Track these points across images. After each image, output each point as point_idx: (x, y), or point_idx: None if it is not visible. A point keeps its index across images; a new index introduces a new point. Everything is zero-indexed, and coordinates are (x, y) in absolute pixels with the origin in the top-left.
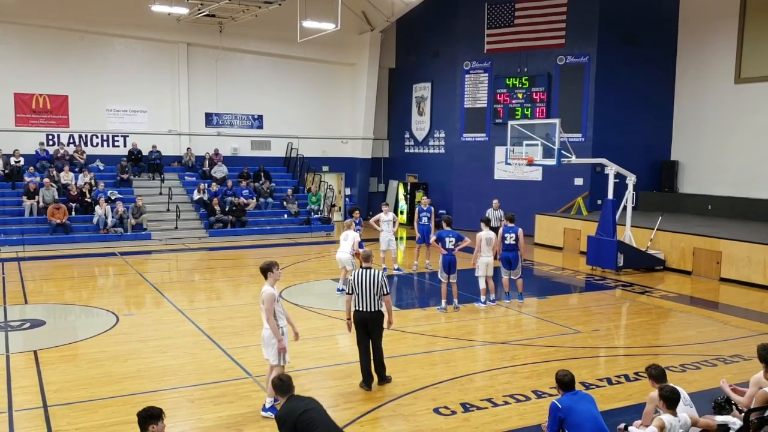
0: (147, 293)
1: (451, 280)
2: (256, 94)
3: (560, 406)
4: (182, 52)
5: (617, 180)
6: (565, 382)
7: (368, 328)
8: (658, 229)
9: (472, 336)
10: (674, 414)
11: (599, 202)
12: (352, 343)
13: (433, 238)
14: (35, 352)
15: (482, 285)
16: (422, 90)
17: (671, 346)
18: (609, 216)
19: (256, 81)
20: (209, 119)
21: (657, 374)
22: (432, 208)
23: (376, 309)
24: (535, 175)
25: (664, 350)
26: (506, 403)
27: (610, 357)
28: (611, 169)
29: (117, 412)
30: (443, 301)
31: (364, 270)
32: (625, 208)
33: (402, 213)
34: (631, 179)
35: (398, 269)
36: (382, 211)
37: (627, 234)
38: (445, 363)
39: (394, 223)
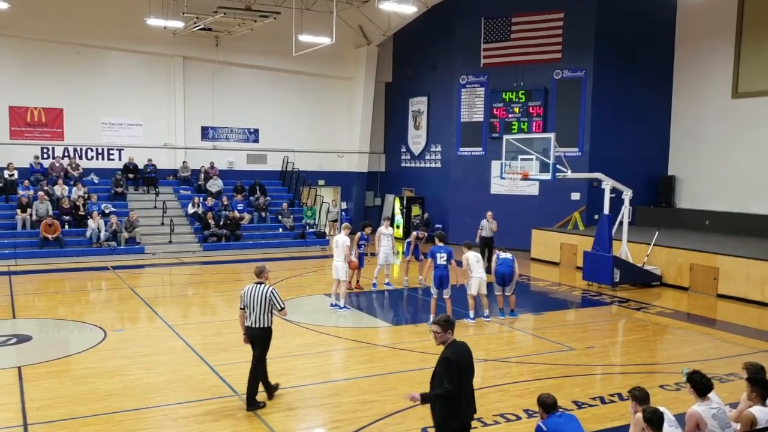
0: (137, 308)
1: (444, 296)
2: (252, 107)
3: (546, 429)
4: (178, 66)
5: (613, 195)
6: (550, 404)
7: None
8: (654, 245)
9: None
10: None
11: (596, 216)
12: (342, 359)
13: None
14: (19, 368)
15: (470, 301)
16: (419, 104)
17: (666, 364)
18: (605, 231)
19: (252, 95)
20: (205, 133)
21: (641, 396)
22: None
23: (265, 325)
24: (532, 189)
25: (659, 368)
26: (496, 422)
27: (604, 375)
28: (607, 183)
29: (98, 431)
30: (432, 317)
31: (255, 285)
32: (621, 223)
33: (398, 227)
34: (627, 194)
35: (388, 284)
36: (381, 224)
37: (623, 249)
38: None
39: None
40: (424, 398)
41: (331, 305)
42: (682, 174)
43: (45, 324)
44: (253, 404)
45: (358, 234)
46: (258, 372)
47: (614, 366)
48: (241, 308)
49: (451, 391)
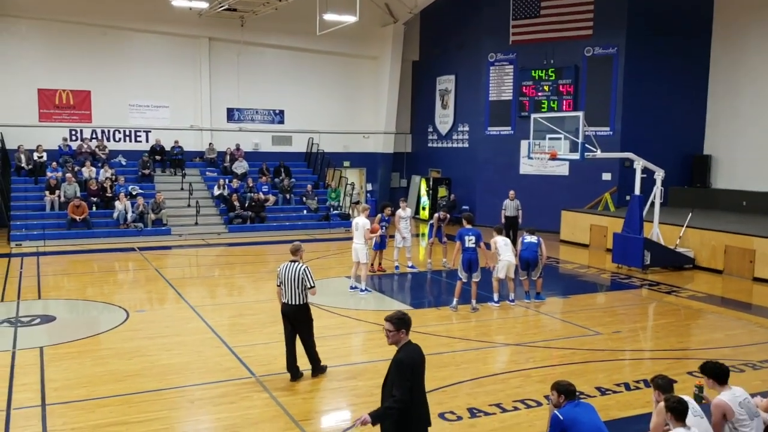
0: (161, 289)
1: (473, 279)
2: (278, 88)
3: (562, 418)
4: (204, 47)
5: (644, 175)
6: (571, 391)
7: (291, 321)
8: (687, 226)
9: (487, 337)
10: (684, 426)
11: (628, 197)
12: (360, 342)
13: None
14: (41, 348)
15: (495, 284)
16: (446, 83)
17: (696, 350)
18: (636, 212)
19: (277, 76)
20: (231, 114)
21: (664, 384)
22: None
23: (300, 302)
24: (562, 169)
25: (689, 354)
26: (516, 408)
27: (630, 360)
28: (638, 163)
29: (114, 412)
30: (455, 300)
31: (290, 262)
32: (653, 204)
33: (424, 209)
34: (659, 174)
35: (412, 267)
36: (399, 206)
37: (654, 231)
38: (455, 365)
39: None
40: (375, 417)
41: (351, 287)
42: (719, 153)
43: (69, 304)
44: (318, 369)
45: (379, 216)
46: (311, 345)
47: (642, 351)
48: (278, 285)
49: (402, 400)
